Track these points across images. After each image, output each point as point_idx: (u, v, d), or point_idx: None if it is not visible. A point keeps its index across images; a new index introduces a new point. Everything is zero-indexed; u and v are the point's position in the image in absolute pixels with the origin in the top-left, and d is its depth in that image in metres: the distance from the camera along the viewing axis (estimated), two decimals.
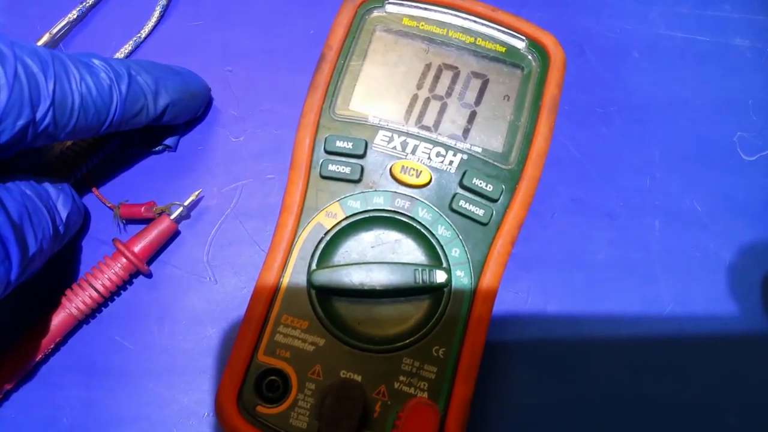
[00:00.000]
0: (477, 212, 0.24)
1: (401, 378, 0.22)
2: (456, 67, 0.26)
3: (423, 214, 0.24)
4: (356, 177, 0.24)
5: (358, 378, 0.22)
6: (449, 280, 0.23)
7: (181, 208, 0.26)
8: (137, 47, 0.29)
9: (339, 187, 0.24)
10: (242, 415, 0.21)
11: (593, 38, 0.32)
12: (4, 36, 0.18)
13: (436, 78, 0.26)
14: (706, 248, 0.28)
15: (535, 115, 0.25)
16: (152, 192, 0.27)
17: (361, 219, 0.24)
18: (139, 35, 0.29)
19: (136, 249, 0.24)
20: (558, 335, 0.26)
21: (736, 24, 0.33)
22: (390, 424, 0.21)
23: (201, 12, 0.31)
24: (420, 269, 0.23)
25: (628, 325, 0.27)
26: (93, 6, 0.30)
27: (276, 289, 0.23)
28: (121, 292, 0.26)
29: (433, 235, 0.24)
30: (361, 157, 0.24)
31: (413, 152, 0.25)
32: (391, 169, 0.24)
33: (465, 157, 0.25)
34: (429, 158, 0.25)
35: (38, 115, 0.19)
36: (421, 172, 0.24)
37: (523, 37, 0.27)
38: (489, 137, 0.25)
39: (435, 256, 0.24)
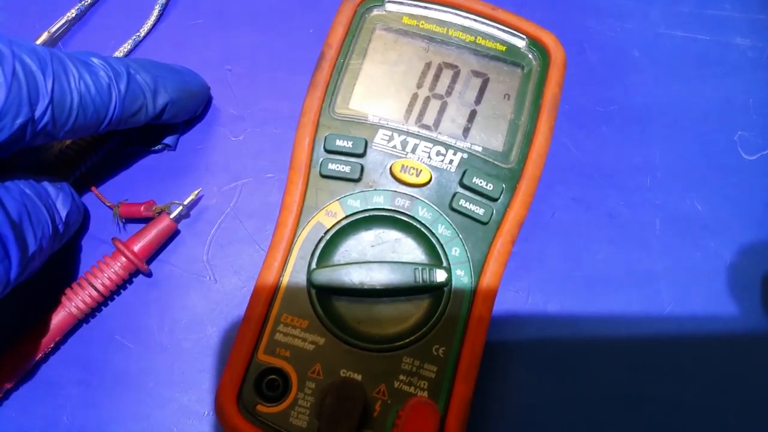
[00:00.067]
0: (477, 211, 0.24)
1: (401, 377, 0.22)
2: (456, 66, 0.26)
3: (423, 213, 0.24)
4: (356, 176, 0.24)
5: (358, 377, 0.22)
6: (449, 280, 0.23)
7: (180, 207, 0.26)
8: (136, 46, 0.29)
9: (339, 186, 0.24)
10: (242, 414, 0.21)
11: (594, 37, 0.32)
12: (2, 34, 0.18)
13: (436, 77, 0.26)
14: (706, 248, 0.28)
15: (535, 114, 0.25)
16: (152, 191, 0.27)
17: (361, 218, 0.24)
18: (138, 34, 0.29)
19: (136, 248, 0.24)
20: (558, 335, 0.26)
21: (737, 23, 0.33)
22: (390, 423, 0.21)
23: (200, 11, 0.31)
24: (420, 268, 0.23)
25: (629, 325, 0.27)
26: (92, 4, 0.30)
27: (276, 288, 0.23)
28: (121, 291, 0.26)
29: (433, 234, 0.24)
30: (361, 156, 0.24)
31: (413, 151, 0.25)
32: (391, 168, 0.24)
33: (465, 156, 0.25)
34: (429, 157, 0.25)
35: (37, 114, 0.19)
36: (421, 171, 0.24)
37: (524, 36, 0.27)
38: (489, 136, 0.25)
39: (435, 255, 0.24)
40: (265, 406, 0.21)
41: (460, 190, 0.24)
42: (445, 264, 0.23)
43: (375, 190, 0.24)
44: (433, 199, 0.24)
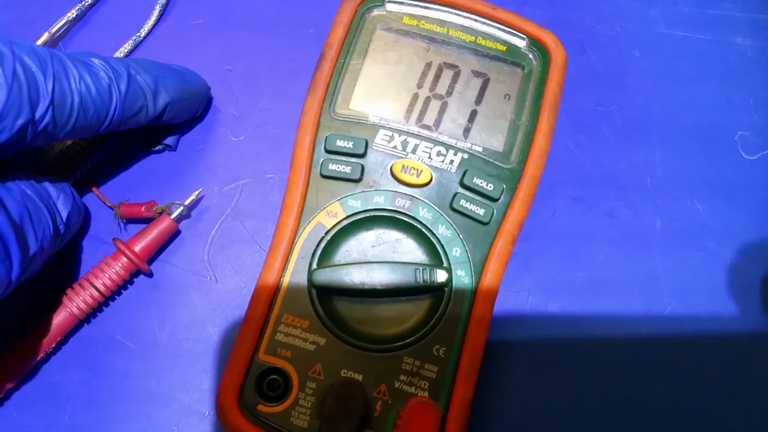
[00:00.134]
0: (478, 211, 0.24)
1: (402, 377, 0.22)
2: (456, 66, 0.26)
3: (424, 214, 0.24)
4: (357, 176, 0.24)
5: (359, 377, 0.22)
6: (450, 280, 0.23)
7: (181, 208, 0.26)
8: (137, 46, 0.29)
9: (339, 186, 0.24)
10: (243, 414, 0.21)
11: (594, 37, 0.32)
12: (2, 35, 0.18)
13: (437, 77, 0.26)
14: (706, 248, 0.28)
15: (535, 114, 0.25)
16: (152, 191, 0.27)
17: (361, 218, 0.24)
18: (138, 34, 0.29)
19: (137, 248, 0.24)
20: (559, 335, 0.26)
21: (737, 23, 0.33)
22: (390, 423, 0.21)
23: (200, 11, 0.30)
24: (421, 269, 0.23)
25: (629, 325, 0.27)
26: (92, 5, 0.30)
27: (277, 288, 0.23)
28: (122, 291, 0.26)
29: (433, 234, 0.24)
30: (362, 156, 0.24)
31: (414, 151, 0.25)
32: (391, 168, 0.24)
33: (466, 156, 0.25)
34: (429, 157, 0.25)
35: (37, 115, 0.19)
36: (421, 171, 0.24)
37: (524, 36, 0.27)
38: (490, 136, 0.25)
39: (436, 255, 0.24)
40: (266, 406, 0.21)
41: (461, 190, 0.24)
42: (445, 264, 0.23)
43: (375, 190, 0.24)
44: (434, 200, 0.24)
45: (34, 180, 0.21)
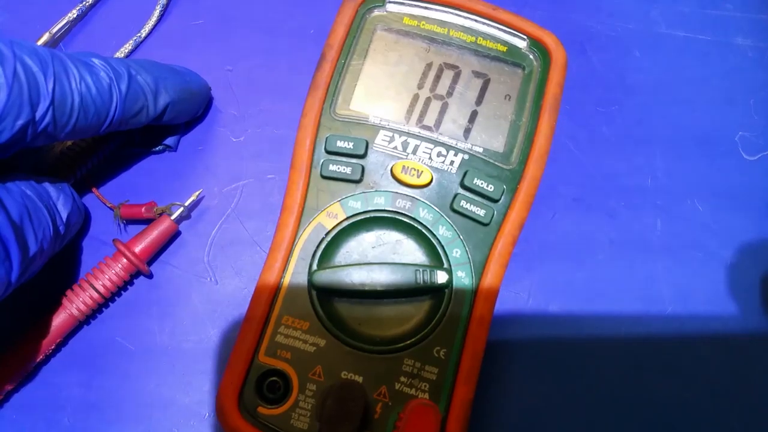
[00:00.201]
0: (478, 212, 0.24)
1: (402, 379, 0.22)
2: (457, 67, 0.26)
3: (424, 215, 0.24)
4: (357, 177, 0.24)
5: (359, 379, 0.22)
6: (450, 281, 0.23)
7: (181, 209, 0.26)
8: (137, 47, 0.29)
9: (340, 187, 0.24)
10: (243, 415, 0.21)
11: (594, 37, 0.32)
12: (3, 35, 0.18)
13: (437, 77, 0.26)
14: (707, 248, 0.28)
15: (536, 115, 0.25)
16: (152, 192, 0.27)
17: (362, 219, 0.24)
18: (139, 35, 0.29)
19: (137, 249, 0.24)
20: (559, 335, 0.26)
21: (738, 23, 0.33)
22: (391, 425, 0.21)
23: (201, 11, 0.30)
24: (421, 270, 0.23)
25: (629, 325, 0.27)
26: (93, 5, 0.30)
27: (277, 289, 0.23)
28: (122, 292, 0.26)
29: (434, 235, 0.24)
30: (362, 157, 0.24)
31: (414, 152, 0.25)
32: (391, 169, 0.24)
33: (466, 157, 0.25)
34: (430, 158, 0.25)
35: (38, 115, 0.18)
36: (422, 172, 0.24)
37: (525, 37, 0.27)
38: (490, 137, 0.25)
39: (436, 256, 0.24)
40: (266, 408, 0.21)
41: (461, 191, 0.24)
42: (446, 265, 0.23)
43: (376, 191, 0.24)
44: (434, 201, 0.24)
45: (34, 180, 0.21)
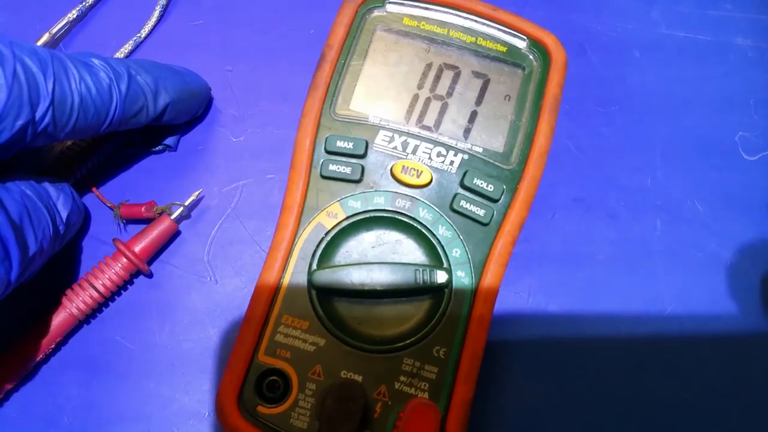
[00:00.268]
0: (478, 212, 0.24)
1: (402, 378, 0.22)
2: (457, 67, 0.26)
3: (424, 215, 0.24)
4: (357, 177, 0.24)
5: (359, 378, 0.22)
6: (450, 281, 0.23)
7: (181, 208, 0.26)
8: (137, 47, 0.29)
9: (339, 187, 0.24)
10: (243, 415, 0.21)
11: (594, 38, 0.32)
12: (3, 35, 0.18)
13: (437, 78, 0.26)
14: (707, 248, 0.28)
15: (536, 115, 0.25)
16: (152, 192, 0.27)
17: (361, 219, 0.24)
18: (139, 35, 0.29)
19: (137, 249, 0.24)
20: (559, 335, 0.26)
21: (738, 23, 0.33)
22: (390, 424, 0.21)
23: (201, 11, 0.30)
24: (421, 269, 0.23)
25: (629, 325, 0.27)
26: (93, 5, 0.30)
27: (276, 289, 0.23)
28: (122, 292, 0.26)
29: (434, 235, 0.24)
30: (362, 157, 0.24)
31: (414, 152, 0.25)
32: (391, 169, 0.24)
33: (466, 157, 0.25)
34: (430, 158, 0.25)
35: (37, 115, 0.19)
36: (421, 172, 0.24)
37: (525, 37, 0.27)
38: (490, 137, 0.25)
39: (436, 256, 0.24)
40: (266, 408, 0.21)
41: (461, 191, 0.24)
42: (445, 265, 0.23)
43: (376, 191, 0.24)
44: (434, 200, 0.24)
45: (34, 180, 0.21)
